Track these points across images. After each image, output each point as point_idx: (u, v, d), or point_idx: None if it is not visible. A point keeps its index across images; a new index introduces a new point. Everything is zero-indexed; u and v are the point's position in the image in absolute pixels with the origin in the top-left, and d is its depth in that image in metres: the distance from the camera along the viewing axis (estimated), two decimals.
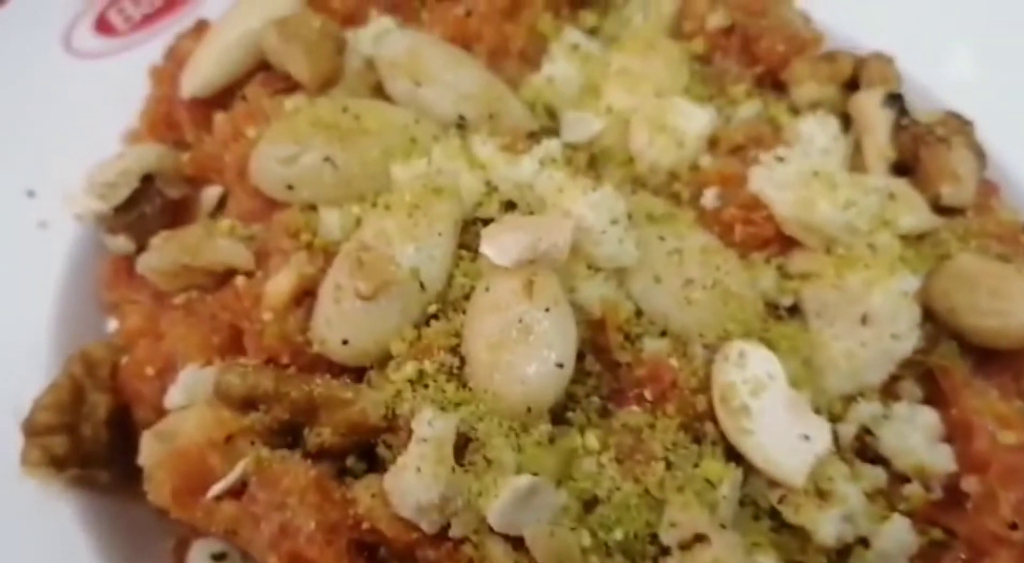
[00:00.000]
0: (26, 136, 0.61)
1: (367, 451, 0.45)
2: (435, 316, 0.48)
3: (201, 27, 0.59)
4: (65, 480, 0.48)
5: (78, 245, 0.57)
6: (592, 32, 0.62)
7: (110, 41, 0.67)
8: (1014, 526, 0.41)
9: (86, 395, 0.49)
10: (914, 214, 0.49)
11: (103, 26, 0.67)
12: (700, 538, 0.38)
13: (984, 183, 0.56)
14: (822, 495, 0.42)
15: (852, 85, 0.56)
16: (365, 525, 0.42)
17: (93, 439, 0.48)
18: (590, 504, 0.43)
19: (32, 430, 0.46)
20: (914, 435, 0.45)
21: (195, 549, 0.51)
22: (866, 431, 0.46)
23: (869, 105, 0.53)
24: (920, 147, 0.53)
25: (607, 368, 0.47)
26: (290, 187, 0.49)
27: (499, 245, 0.46)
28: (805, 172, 0.47)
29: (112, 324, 0.54)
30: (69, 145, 0.60)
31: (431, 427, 0.42)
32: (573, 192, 0.48)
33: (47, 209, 0.58)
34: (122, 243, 0.53)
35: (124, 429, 0.51)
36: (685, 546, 0.38)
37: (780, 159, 0.47)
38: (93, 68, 0.66)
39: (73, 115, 0.63)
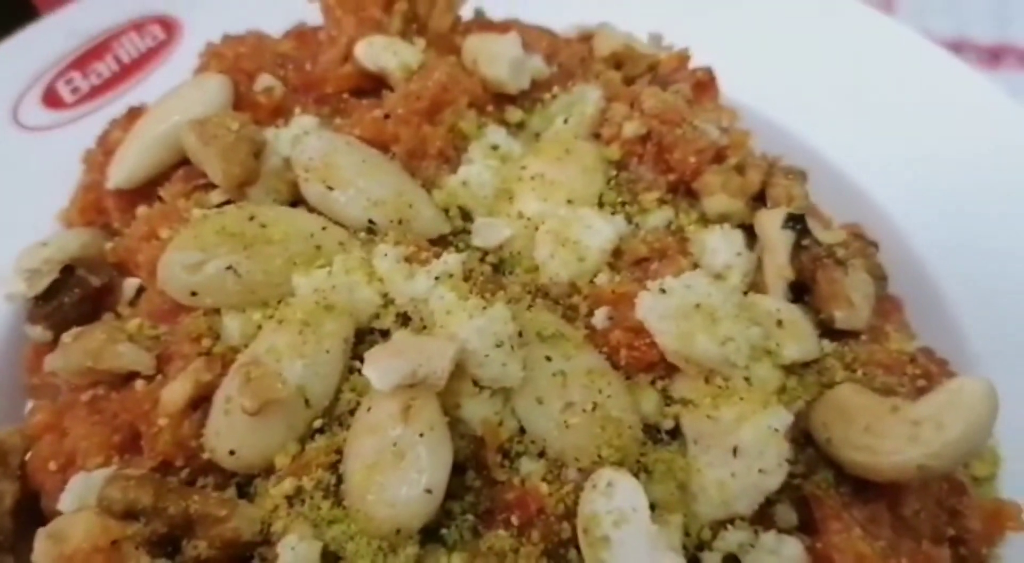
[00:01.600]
0: None
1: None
2: (320, 430, 0.50)
3: (133, 114, 0.61)
4: None
5: (7, 325, 0.60)
6: (519, 126, 0.64)
7: (57, 114, 0.69)
8: None
9: None
10: (799, 344, 0.50)
11: (50, 98, 0.69)
12: None
13: (886, 301, 0.57)
14: None
15: (762, 197, 0.58)
16: None
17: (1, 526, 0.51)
18: None
19: None
20: None
21: None
22: (733, 558, 0.48)
23: (771, 225, 0.54)
24: (818, 269, 0.54)
25: (486, 484, 0.49)
26: (194, 293, 0.51)
27: (380, 369, 0.47)
28: (687, 305, 0.48)
29: (29, 408, 0.57)
30: (9, 221, 0.63)
31: (294, 552, 0.43)
32: (460, 316, 0.49)
33: None
34: (39, 333, 0.55)
35: (33, 516, 0.54)
36: None
37: (663, 291, 0.49)
38: (38, 141, 0.68)
39: (16, 190, 0.65)
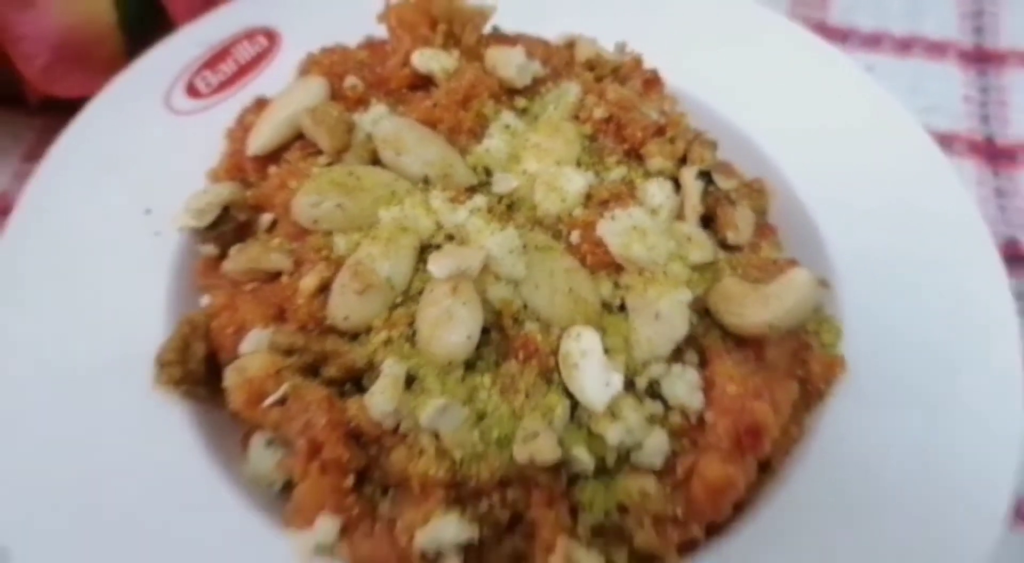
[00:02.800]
0: (144, 171, 0.92)
1: (356, 382, 0.76)
2: (400, 304, 0.78)
3: (260, 104, 0.89)
4: (178, 393, 0.79)
5: (181, 247, 0.87)
6: (523, 111, 0.91)
7: (197, 102, 0.96)
8: (719, 438, 0.71)
9: (191, 344, 0.80)
10: (701, 252, 0.78)
11: (192, 90, 0.97)
12: (535, 435, 0.68)
13: (765, 227, 0.85)
14: (614, 416, 0.72)
15: (684, 160, 0.86)
16: (353, 424, 0.72)
17: (196, 370, 0.78)
18: (481, 417, 0.72)
19: (160, 362, 0.77)
20: (681, 386, 0.74)
21: (255, 438, 0.81)
22: (654, 382, 0.76)
23: (688, 177, 0.82)
24: (718, 206, 0.82)
25: (503, 339, 0.77)
26: (315, 221, 0.79)
27: (439, 265, 0.74)
28: (628, 227, 0.76)
29: (205, 300, 0.85)
30: (173, 177, 0.91)
31: (391, 368, 0.72)
32: (485, 234, 0.77)
33: (160, 223, 0.88)
34: (210, 249, 0.83)
35: (213, 365, 0.82)
36: (527, 439, 0.68)
37: (613, 218, 0.77)
38: (187, 121, 0.96)
39: (175, 157, 0.93)
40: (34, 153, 1.01)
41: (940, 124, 1.17)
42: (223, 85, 0.96)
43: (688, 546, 0.72)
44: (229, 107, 0.92)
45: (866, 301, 0.84)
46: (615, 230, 0.76)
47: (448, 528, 0.69)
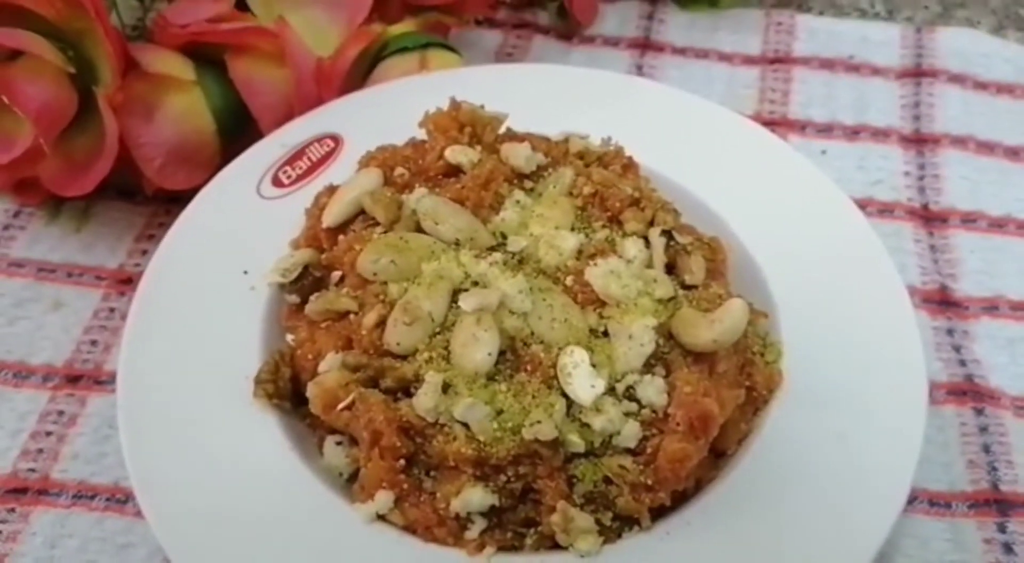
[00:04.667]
0: (241, 242, 1.18)
1: (406, 391, 0.98)
2: (438, 333, 1.02)
3: (331, 189, 1.14)
4: (271, 406, 1.03)
5: (272, 298, 1.08)
6: (530, 191, 1.16)
7: (280, 190, 1.23)
8: (678, 424, 0.93)
9: (280, 368, 1.04)
10: (664, 289, 1.01)
11: (276, 181, 1.23)
12: (539, 422, 0.92)
13: (714, 272, 1.09)
14: (598, 410, 0.93)
15: (653, 222, 1.11)
16: (404, 420, 0.92)
17: (284, 388, 0.99)
18: (499, 413, 0.93)
19: (258, 381, 1.00)
20: (651, 389, 0.93)
21: (328, 440, 0.97)
22: (630, 387, 1.00)
23: (654, 235, 1.05)
24: (677, 256, 1.06)
25: (515, 357, 0.99)
26: (374, 274, 1.02)
27: (468, 302, 0.97)
28: (607, 271, 1.00)
29: (289, 338, 1.09)
30: (264, 247, 1.17)
31: (432, 377, 0.94)
32: (502, 280, 1.01)
33: (254, 280, 1.12)
34: (293, 299, 1.07)
35: (296, 386, 1.07)
36: (533, 425, 0.92)
37: (596, 265, 1.02)
38: (274, 204, 1.19)
39: (265, 231, 1.19)
40: (143, 234, 1.25)
41: (884, 195, 1.36)
42: (300, 177, 1.19)
43: (658, 511, 0.95)
44: (305, 194, 1.11)
45: (801, 329, 1.07)
46: (598, 274, 0.99)
47: (475, 497, 0.91)
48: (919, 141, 1.49)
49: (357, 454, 0.92)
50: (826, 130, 1.51)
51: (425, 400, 0.89)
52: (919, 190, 1.43)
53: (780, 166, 1.19)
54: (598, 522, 0.89)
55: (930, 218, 1.38)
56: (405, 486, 0.86)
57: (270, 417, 0.93)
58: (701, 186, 1.17)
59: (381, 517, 0.89)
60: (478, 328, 0.92)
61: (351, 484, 0.87)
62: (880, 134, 1.50)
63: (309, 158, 1.20)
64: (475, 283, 0.98)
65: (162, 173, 1.23)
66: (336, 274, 1.05)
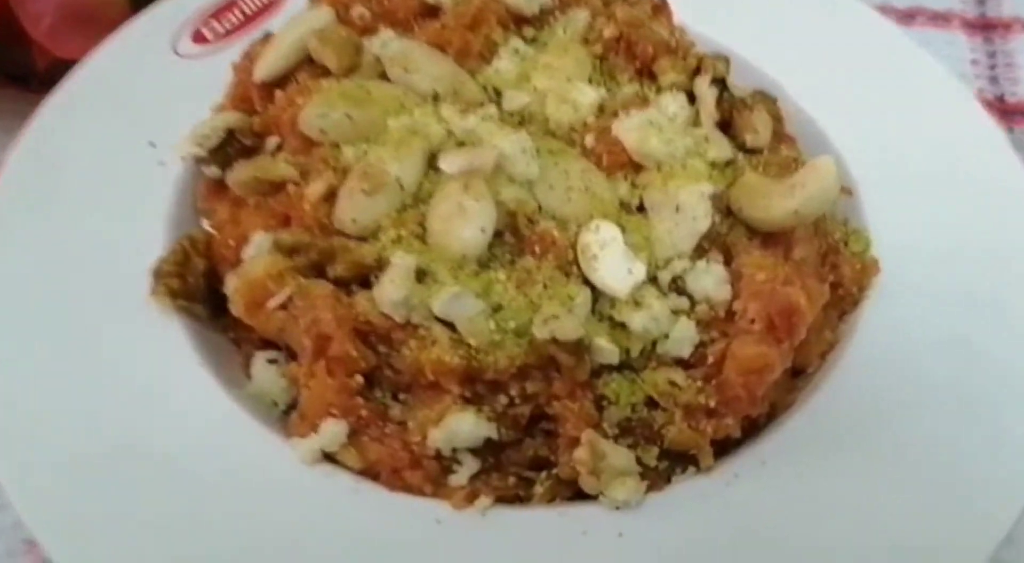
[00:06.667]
0: (150, 108, 0.90)
1: (364, 283, 0.72)
2: (409, 207, 0.75)
3: (268, 38, 0.88)
4: (175, 308, 0.75)
5: (184, 175, 0.84)
6: (532, 41, 0.90)
7: (203, 47, 0.96)
8: (753, 320, 0.67)
9: (191, 258, 0.76)
10: (719, 150, 0.76)
11: (198, 37, 0.96)
12: (555, 317, 0.65)
13: (781, 136, 0.83)
14: (637, 304, 0.68)
15: (697, 73, 0.84)
16: (362, 318, 0.68)
17: (195, 284, 0.74)
18: (496, 309, 0.68)
19: (158, 273, 0.74)
20: (707, 279, 0.70)
21: (257, 358, 0.77)
22: (678, 278, 0.73)
23: (703, 85, 0.80)
24: (734, 111, 0.80)
25: (517, 239, 0.74)
26: (323, 131, 0.76)
27: (449, 161, 0.72)
28: (644, 121, 0.74)
29: (206, 224, 0.83)
30: (177, 114, 0.89)
31: (401, 259, 0.68)
32: (498, 135, 0.75)
33: (163, 154, 0.86)
34: (213, 171, 0.81)
35: (213, 285, 0.79)
36: (548, 321, 0.64)
37: (628, 114, 0.75)
38: (193, 64, 0.95)
39: (180, 96, 0.92)
40: None
41: None
42: (229, 32, 0.95)
43: (723, 445, 0.68)
44: (233, 53, 0.91)
45: (890, 212, 0.81)
46: (631, 127, 0.74)
47: (463, 425, 0.65)
48: (986, 27, 1.25)
49: (296, 372, 0.65)
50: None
51: (391, 290, 0.62)
52: (991, 80, 1.21)
53: (846, 29, 0.93)
54: (639, 461, 0.62)
55: (1007, 111, 1.17)
56: (363, 413, 0.62)
57: (174, 324, 0.65)
58: (747, 46, 0.90)
59: (329, 457, 0.61)
60: (466, 197, 0.66)
61: (289, 417, 0.71)
62: (939, 18, 1.26)
63: (242, 10, 0.93)
64: (461, 144, 0.70)
65: (52, 36, 0.99)
66: (272, 141, 0.78)
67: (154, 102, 0.89)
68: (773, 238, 0.73)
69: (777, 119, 0.80)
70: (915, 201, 0.82)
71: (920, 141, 0.85)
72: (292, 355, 0.72)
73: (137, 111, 0.88)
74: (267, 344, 0.74)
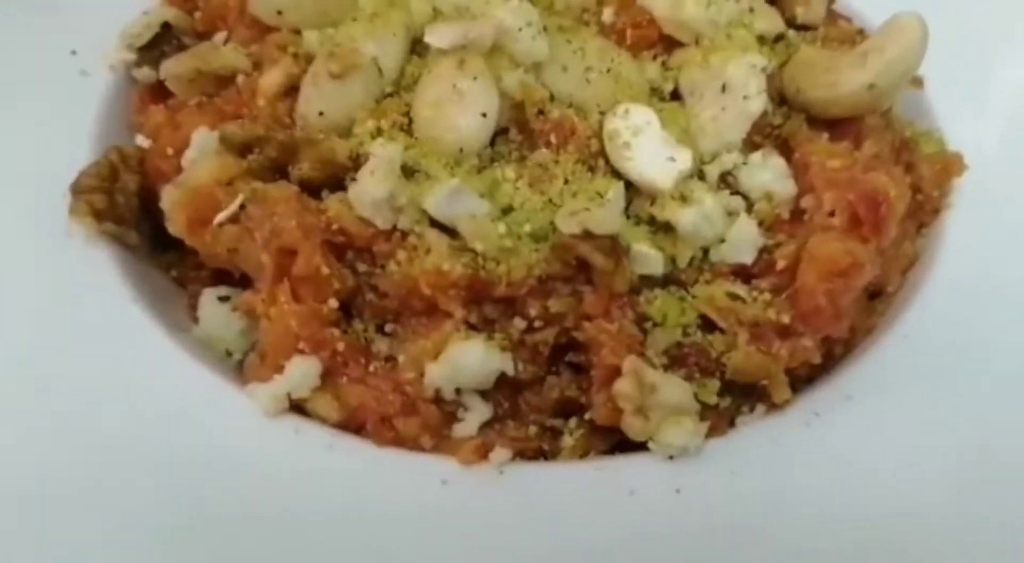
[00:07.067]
0: (67, 12, 0.75)
1: (337, 186, 0.57)
2: (390, 95, 0.61)
3: None
4: (102, 232, 0.60)
5: (112, 86, 0.69)
6: None
7: None
8: (832, 213, 0.53)
9: (120, 174, 0.61)
10: (768, 21, 0.62)
11: None
12: (584, 209, 0.50)
13: (833, 12, 0.69)
14: (684, 199, 0.54)
15: None
16: (335, 226, 0.53)
17: (125, 205, 0.60)
18: (506, 211, 0.54)
19: (78, 189, 0.58)
20: (764, 173, 0.57)
21: (204, 296, 0.62)
22: (727, 175, 0.59)
23: None
24: None
25: (526, 137, 0.60)
26: (279, 12, 0.62)
27: (439, 34, 0.58)
28: None
29: (139, 140, 0.67)
30: (100, 16, 0.74)
31: (384, 149, 0.54)
32: (496, 3, 0.61)
33: (86, 63, 0.71)
34: (147, 73, 0.66)
35: (150, 210, 0.64)
36: (576, 213, 0.50)
37: None
38: None
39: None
40: None
41: None
42: None
43: (794, 377, 0.53)
44: None
45: (962, 110, 0.68)
46: None
47: (470, 357, 0.51)
48: None
49: (253, 301, 0.50)
50: None
51: (372, 186, 0.48)
52: None
53: None
54: (695, 398, 0.48)
55: None
56: (340, 347, 0.54)
57: (98, 251, 0.50)
58: None
59: (297, 407, 0.46)
60: (461, 77, 0.51)
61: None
62: None
63: None
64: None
65: None
66: (219, 36, 0.63)
67: (73, 5, 0.73)
68: (838, 129, 0.60)
69: None
70: (988, 99, 0.69)
71: (986, 36, 0.72)
72: (246, 285, 0.57)
73: (53, 17, 0.72)
74: (219, 280, 0.59)
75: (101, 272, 0.58)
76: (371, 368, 0.52)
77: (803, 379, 0.55)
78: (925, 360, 0.56)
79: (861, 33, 0.64)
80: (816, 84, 0.59)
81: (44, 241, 0.59)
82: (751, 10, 0.62)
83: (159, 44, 0.67)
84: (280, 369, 0.52)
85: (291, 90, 0.59)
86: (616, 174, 0.55)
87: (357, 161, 0.55)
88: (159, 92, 0.67)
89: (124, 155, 0.62)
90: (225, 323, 0.59)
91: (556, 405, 0.54)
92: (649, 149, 0.54)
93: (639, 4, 0.61)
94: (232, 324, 0.59)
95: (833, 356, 0.56)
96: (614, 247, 0.49)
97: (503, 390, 0.53)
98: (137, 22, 0.68)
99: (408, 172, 0.54)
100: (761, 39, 0.61)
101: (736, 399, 0.53)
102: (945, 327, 0.58)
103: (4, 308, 0.56)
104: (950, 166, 0.63)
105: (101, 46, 0.70)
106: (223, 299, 0.60)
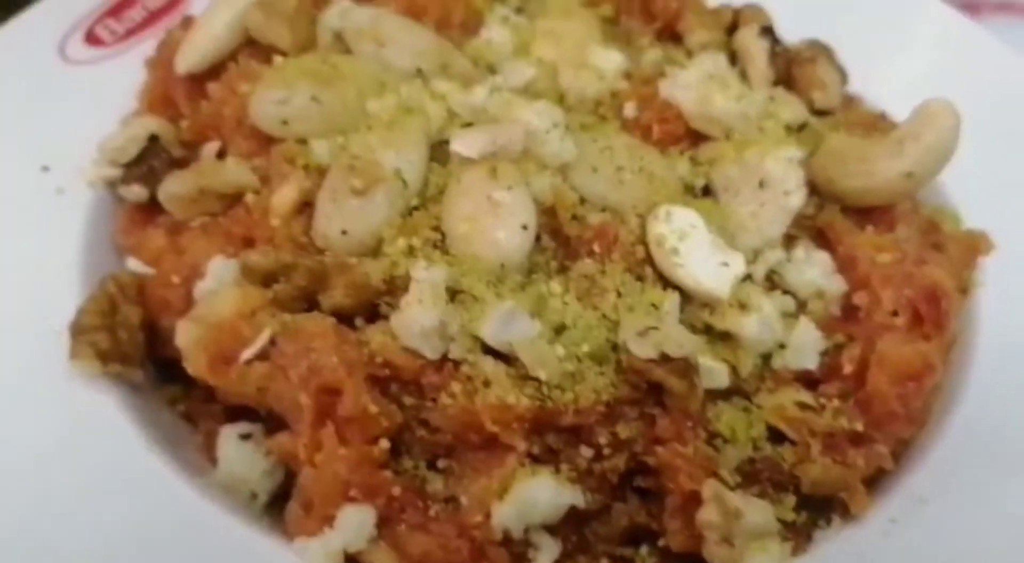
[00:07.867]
0: (35, 125, 0.69)
1: (371, 313, 0.53)
2: (416, 208, 0.57)
3: (188, 21, 0.69)
4: (107, 374, 0.55)
5: (93, 205, 0.64)
6: (518, 11, 0.74)
7: (99, 50, 0.76)
8: (895, 313, 0.52)
9: (119, 306, 0.56)
10: (793, 109, 0.61)
11: (92, 38, 0.76)
12: (653, 328, 0.48)
13: (846, 96, 0.69)
14: (742, 306, 0.52)
15: (733, 29, 0.69)
16: (378, 359, 0.50)
17: (129, 341, 0.55)
18: (559, 330, 0.51)
19: (79, 330, 0.53)
20: (811, 270, 0.55)
21: (224, 435, 0.57)
22: (772, 273, 0.57)
23: (748, 38, 0.65)
24: (792, 66, 0.65)
25: (561, 244, 0.57)
26: (284, 122, 0.58)
27: (466, 142, 0.55)
28: (703, 75, 0.59)
29: (131, 263, 0.62)
30: (71, 130, 0.69)
31: (427, 272, 0.50)
32: (519, 104, 0.59)
33: (61, 179, 0.65)
34: (136, 191, 0.61)
35: (151, 341, 0.59)
36: (644, 334, 0.47)
37: (682, 66, 0.59)
38: (86, 73, 0.75)
39: (73, 112, 0.71)
40: None
41: None
42: (130, 32, 0.76)
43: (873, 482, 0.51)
44: (136, 56, 0.72)
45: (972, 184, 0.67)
46: (686, 84, 0.58)
47: (541, 493, 0.47)
48: None
49: (290, 445, 0.45)
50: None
51: (420, 315, 0.44)
52: None
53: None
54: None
55: None
56: (395, 492, 0.45)
57: (106, 396, 0.45)
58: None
59: (351, 560, 0.42)
60: (495, 187, 0.48)
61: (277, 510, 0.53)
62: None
63: (145, 6, 0.74)
64: (470, 125, 0.53)
65: None
66: (211, 147, 0.58)
67: (42, 118, 0.68)
68: (869, 216, 0.58)
69: (842, 73, 0.66)
70: (994, 175, 0.69)
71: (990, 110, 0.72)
72: (275, 425, 0.52)
73: (23, 130, 0.67)
74: (236, 413, 0.54)
75: (110, 419, 0.52)
76: (431, 512, 0.48)
77: (866, 481, 0.53)
78: (991, 451, 0.55)
79: (883, 117, 0.63)
80: (850, 173, 0.58)
81: (42, 388, 0.54)
82: (772, 98, 0.61)
83: (147, 159, 0.62)
84: (330, 520, 0.47)
85: (305, 206, 0.56)
86: (665, 281, 0.52)
87: (392, 284, 0.51)
88: (148, 210, 0.62)
89: (121, 284, 0.57)
90: (249, 464, 0.54)
91: (625, 533, 0.50)
92: (699, 254, 0.52)
93: (662, 98, 0.59)
94: (256, 464, 0.54)
95: (895, 454, 0.55)
96: (687, 369, 0.47)
97: (569, 523, 0.49)
98: (118, 134, 0.63)
99: (450, 294, 0.50)
100: (787, 129, 0.60)
101: (811, 513, 0.51)
102: (1003, 412, 0.57)
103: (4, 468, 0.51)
104: (976, 245, 0.63)
105: (75, 160, 0.65)
106: (244, 437, 0.55)
